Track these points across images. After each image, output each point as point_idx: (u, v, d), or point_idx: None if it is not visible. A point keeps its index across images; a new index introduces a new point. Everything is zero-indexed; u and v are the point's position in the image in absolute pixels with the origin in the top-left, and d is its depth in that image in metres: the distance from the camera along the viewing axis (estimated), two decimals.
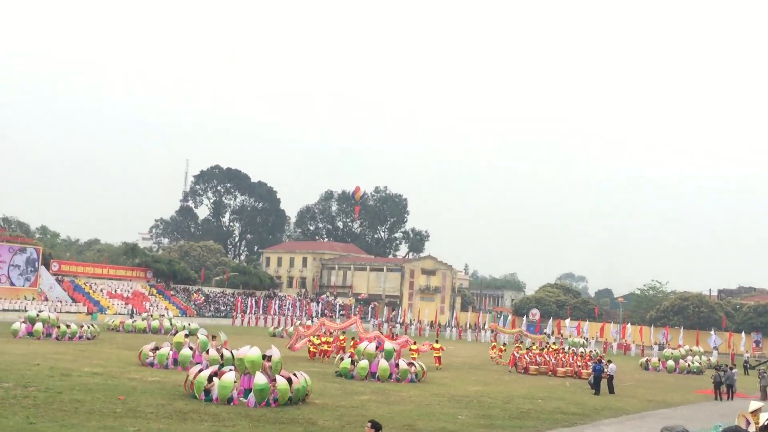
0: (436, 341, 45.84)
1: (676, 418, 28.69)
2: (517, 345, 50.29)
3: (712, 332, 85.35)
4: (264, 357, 24.94)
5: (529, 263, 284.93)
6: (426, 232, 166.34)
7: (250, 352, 24.58)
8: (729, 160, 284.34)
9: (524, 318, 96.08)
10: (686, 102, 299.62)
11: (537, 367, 44.55)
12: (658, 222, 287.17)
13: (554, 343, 60.25)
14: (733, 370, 38.48)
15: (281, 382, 24.29)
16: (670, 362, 56.09)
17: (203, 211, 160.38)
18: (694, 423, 25.48)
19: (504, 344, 62.25)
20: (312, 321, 73.17)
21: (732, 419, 19.28)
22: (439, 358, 44.04)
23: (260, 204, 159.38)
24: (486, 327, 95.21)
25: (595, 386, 36.19)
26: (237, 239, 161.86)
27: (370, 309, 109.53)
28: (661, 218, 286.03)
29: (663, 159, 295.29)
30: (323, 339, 43.94)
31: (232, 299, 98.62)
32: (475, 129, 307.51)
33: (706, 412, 31.64)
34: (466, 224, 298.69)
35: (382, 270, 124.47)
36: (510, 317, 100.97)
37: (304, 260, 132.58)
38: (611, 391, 35.89)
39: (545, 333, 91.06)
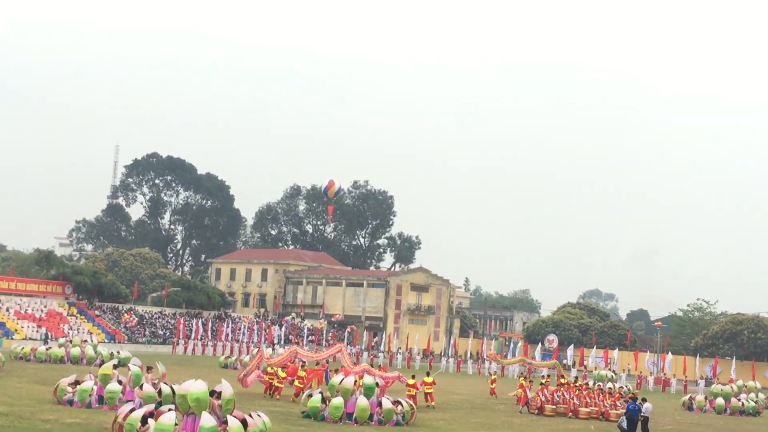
0: (428, 374, 45.91)
1: None
2: (523, 377, 50.36)
3: None
4: (212, 393, 24.80)
5: (546, 278, 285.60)
6: (416, 238, 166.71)
7: (195, 387, 24.44)
8: None
9: (539, 345, 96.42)
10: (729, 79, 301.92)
11: (554, 407, 44.67)
12: (706, 227, 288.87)
13: (576, 378, 60.46)
14: None
15: (234, 424, 24.19)
16: (720, 401, 56.44)
17: (137, 211, 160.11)
18: None
19: (495, 374, 62.39)
20: (273, 350, 72.98)
21: None
22: (430, 394, 44.14)
23: (209, 202, 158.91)
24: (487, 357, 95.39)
25: (629, 430, 36.31)
26: (179, 246, 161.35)
27: (346, 334, 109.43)
28: (709, 221, 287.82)
29: (711, 141, 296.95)
30: (275, 372, 43.93)
31: (172, 321, 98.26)
32: (478, 109, 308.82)
33: None
34: (466, 229, 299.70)
35: (361, 285, 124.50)
36: (520, 344, 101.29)
37: (264, 273, 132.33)
38: None
39: (565, 363, 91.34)
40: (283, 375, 44.70)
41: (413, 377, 44.52)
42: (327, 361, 46.15)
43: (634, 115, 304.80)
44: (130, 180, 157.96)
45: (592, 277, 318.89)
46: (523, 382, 47.36)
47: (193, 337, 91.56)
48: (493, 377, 56.66)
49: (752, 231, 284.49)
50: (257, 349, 73.48)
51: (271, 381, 43.71)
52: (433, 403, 43.64)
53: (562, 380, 50.95)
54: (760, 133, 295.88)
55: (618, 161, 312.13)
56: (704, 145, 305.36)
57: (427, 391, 44.13)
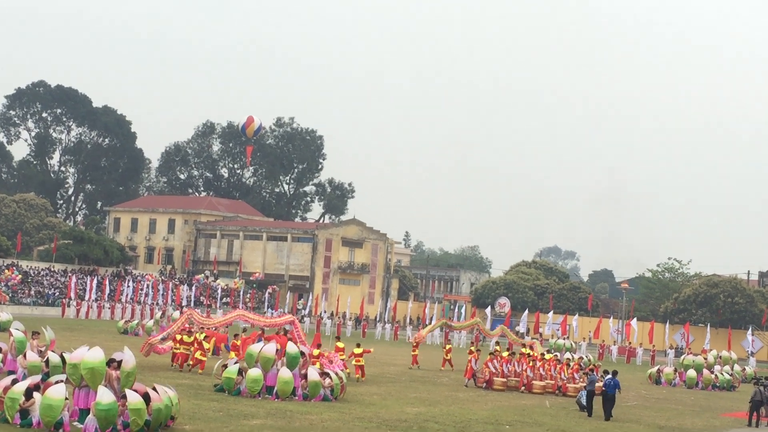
0: (358, 345, 45.82)
1: None
2: (473, 346, 50.87)
3: (750, 332, 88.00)
4: (109, 363, 24.68)
5: (497, 233, 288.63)
6: (349, 185, 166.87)
7: (90, 356, 24.29)
8: None
9: (488, 310, 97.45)
10: None
11: (505, 380, 45.24)
12: (680, 178, 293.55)
13: (525, 346, 61.21)
14: None
15: (134, 399, 24.14)
16: (691, 373, 57.63)
17: (20, 149, 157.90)
18: None
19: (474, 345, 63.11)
20: (181, 313, 72.66)
21: None
22: (361, 367, 44.04)
23: (106, 140, 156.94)
24: (431, 323, 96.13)
25: (587, 406, 36.96)
26: (71, 191, 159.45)
27: (266, 295, 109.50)
28: (683, 173, 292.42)
29: (686, 83, 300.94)
30: (194, 340, 43.54)
31: (63, 279, 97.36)
32: (420, 37, 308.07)
33: None
34: (406, 176, 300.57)
35: (285, 239, 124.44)
36: (466, 308, 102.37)
37: (171, 224, 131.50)
38: (608, 414, 36.72)
39: (518, 330, 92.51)
40: (207, 345, 44.28)
41: (358, 345, 44.87)
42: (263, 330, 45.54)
43: (591, 45, 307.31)
44: (12, 113, 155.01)
45: (550, 233, 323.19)
46: (472, 349, 47.86)
47: (87, 297, 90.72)
48: (448, 347, 56.48)
49: (729, 182, 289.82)
50: (177, 311, 73.24)
51: (186, 352, 43.16)
52: (362, 377, 43.63)
53: (526, 350, 51.47)
54: (736, 71, 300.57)
55: (576, 100, 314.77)
56: (675, 84, 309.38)
57: (356, 363, 44.09)
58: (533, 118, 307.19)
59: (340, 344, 44.82)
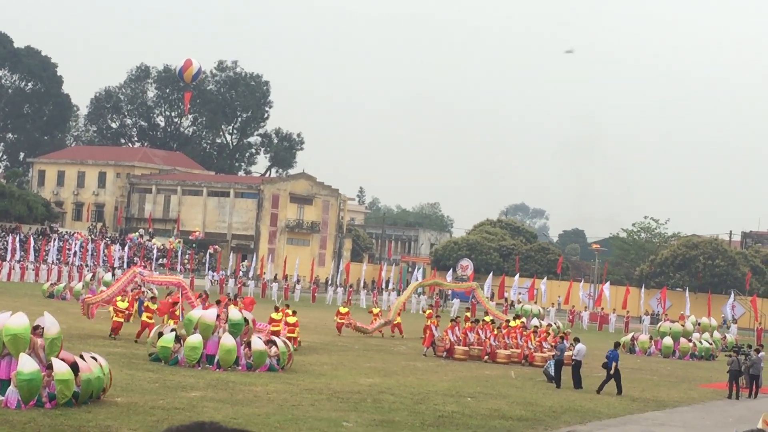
0: (294, 312, 44.99)
1: (672, 425, 29.96)
2: (431, 310, 51.15)
3: (732, 297, 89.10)
4: (34, 330, 24.56)
5: (459, 189, 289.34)
6: (298, 136, 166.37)
7: (12, 322, 24.16)
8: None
9: (449, 272, 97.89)
10: None
11: (467, 348, 45.54)
12: (657, 128, 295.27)
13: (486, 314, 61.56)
14: (760, 354, 40.29)
15: (61, 369, 24.07)
16: (668, 341, 58.28)
17: None
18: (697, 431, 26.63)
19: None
20: (113, 275, 72.40)
21: (753, 425, 20.25)
22: (295, 338, 42.88)
23: (29, 84, 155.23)
24: (390, 287, 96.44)
25: (555, 377, 37.31)
26: None
27: (208, 255, 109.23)
28: (660, 122, 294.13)
29: (668, 20, 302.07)
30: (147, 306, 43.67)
31: None
32: None
33: (717, 416, 33.10)
34: (360, 127, 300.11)
35: (227, 195, 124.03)
36: (425, 270, 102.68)
37: (102, 177, 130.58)
38: (577, 384, 37.10)
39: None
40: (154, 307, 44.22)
41: (294, 313, 44.69)
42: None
43: None
44: None
45: (517, 188, 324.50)
46: (430, 311, 48.07)
47: (9, 258, 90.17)
48: (428, 311, 56.35)
49: (711, 135, 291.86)
50: (109, 272, 72.82)
51: (122, 318, 43.07)
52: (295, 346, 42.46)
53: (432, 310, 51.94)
54: (723, 12, 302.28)
55: (539, 40, 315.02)
56: (655, 19, 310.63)
57: (289, 334, 42.94)
58: (497, 55, 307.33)
59: (276, 315, 43.97)
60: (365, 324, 55.48)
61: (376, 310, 58.57)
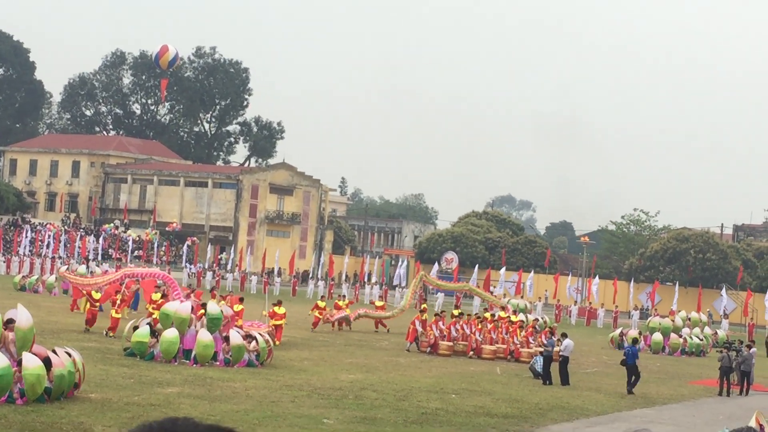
0: (276, 304, 45.16)
1: (662, 423, 30.03)
2: (419, 305, 51.28)
3: (723, 292, 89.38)
4: (5, 324, 24.49)
5: (444, 180, 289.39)
6: (278, 124, 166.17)
7: None
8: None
9: (434, 266, 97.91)
10: None
11: (451, 343, 45.59)
12: (648, 119, 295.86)
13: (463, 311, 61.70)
14: (752, 350, 40.49)
15: (31, 364, 24.00)
16: (657, 337, 58.49)
17: None
18: (688, 430, 26.71)
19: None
20: (88, 267, 72.29)
21: (744, 423, 20.33)
22: (278, 326, 43.12)
23: (1, 70, 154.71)
24: (373, 280, 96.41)
25: (544, 373, 37.37)
26: None
27: (185, 248, 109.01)
28: (651, 114, 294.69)
29: (654, 20, 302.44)
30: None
31: None
32: None
33: (708, 413, 33.20)
34: (342, 116, 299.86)
35: (205, 185, 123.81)
36: (409, 263, 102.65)
37: (76, 166, 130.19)
38: (564, 380, 37.19)
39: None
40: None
41: (277, 304, 44.74)
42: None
43: None
44: None
45: (504, 179, 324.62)
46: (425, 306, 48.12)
47: None
48: (423, 306, 55.81)
49: (702, 123, 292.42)
50: (83, 265, 72.69)
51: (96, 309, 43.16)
52: (277, 342, 42.50)
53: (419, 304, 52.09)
54: None
55: (522, 27, 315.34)
56: (636, 7, 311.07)
57: (275, 322, 43.29)
58: (482, 43, 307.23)
59: (279, 309, 44.11)
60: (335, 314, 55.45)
61: (342, 303, 58.08)
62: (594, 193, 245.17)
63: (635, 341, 39.38)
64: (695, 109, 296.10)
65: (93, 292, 44.17)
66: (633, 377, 36.58)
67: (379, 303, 62.06)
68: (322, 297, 63.62)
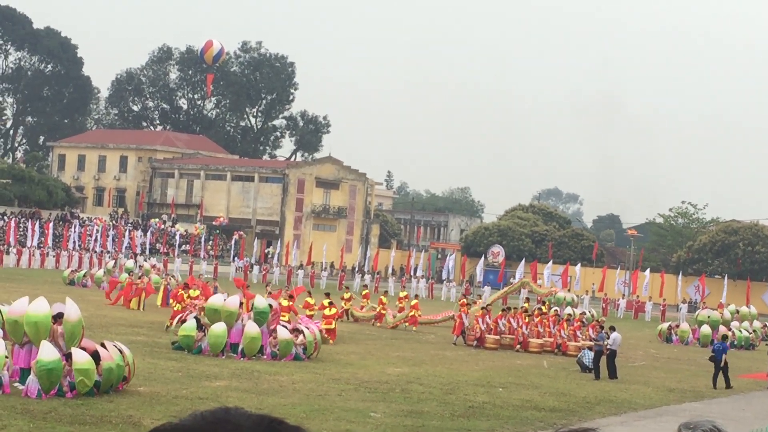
0: (327, 294, 45.00)
1: (711, 416, 29.80)
2: (463, 301, 51.08)
3: None
4: (54, 318, 24.68)
5: (490, 173, 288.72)
6: (324, 119, 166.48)
7: (33, 309, 24.28)
8: None
9: (480, 259, 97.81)
10: None
11: (498, 337, 45.54)
12: (694, 111, 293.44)
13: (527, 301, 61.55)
14: None
15: (82, 358, 24.16)
16: (706, 330, 58.10)
17: None
18: (737, 424, 26.54)
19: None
20: (135, 262, 72.72)
21: None
22: (332, 329, 42.56)
23: (49, 66, 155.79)
24: (420, 274, 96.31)
25: (594, 367, 37.21)
26: (10, 125, 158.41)
27: (233, 242, 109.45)
28: (699, 103, 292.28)
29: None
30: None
31: (1, 223, 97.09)
32: None
33: (758, 407, 32.97)
34: (388, 109, 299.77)
35: (252, 179, 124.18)
36: (456, 257, 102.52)
37: (123, 161, 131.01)
38: (612, 374, 37.05)
39: (512, 281, 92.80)
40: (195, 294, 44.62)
41: (327, 295, 44.62)
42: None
43: None
44: None
45: (550, 173, 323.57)
46: (464, 301, 48.01)
47: (29, 244, 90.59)
48: (461, 300, 55.56)
49: (750, 113, 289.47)
50: (130, 259, 73.26)
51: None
52: (332, 340, 42.44)
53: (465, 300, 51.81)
54: None
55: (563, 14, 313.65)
56: None
57: (325, 326, 42.36)
58: (523, 34, 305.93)
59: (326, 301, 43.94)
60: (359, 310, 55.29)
61: (347, 295, 57.19)
62: (640, 180, 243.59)
63: (725, 337, 39.38)
64: (745, 97, 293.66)
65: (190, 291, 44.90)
66: (719, 372, 36.50)
67: (402, 294, 60.29)
68: (345, 289, 62.03)
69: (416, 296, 60.94)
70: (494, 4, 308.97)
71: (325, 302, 43.41)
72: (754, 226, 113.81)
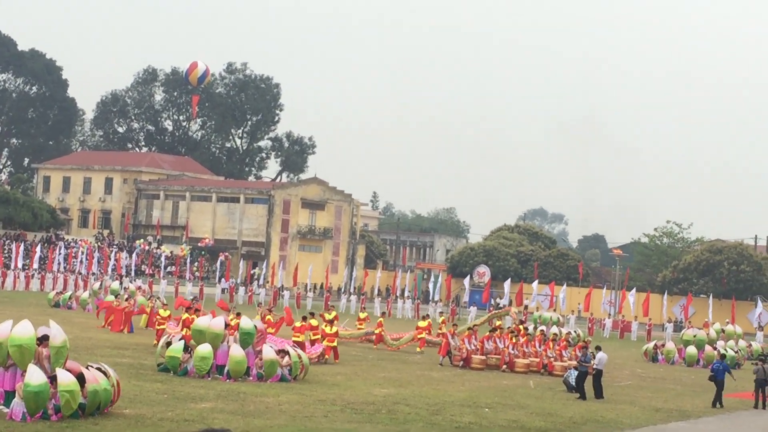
0: (328, 310, 45.84)
1: None
2: (445, 321, 51.19)
3: (758, 303, 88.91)
4: (40, 340, 24.61)
5: (476, 193, 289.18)
6: (310, 139, 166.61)
7: (18, 332, 24.21)
8: None
9: (466, 279, 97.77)
10: None
11: (484, 357, 45.50)
12: (679, 131, 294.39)
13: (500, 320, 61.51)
14: None
15: (67, 379, 24.10)
16: (691, 349, 58.14)
17: None
18: None
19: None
20: (121, 283, 72.61)
21: None
22: (334, 348, 43.34)
23: (34, 88, 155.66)
24: (406, 294, 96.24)
25: (578, 386, 37.19)
26: None
27: (218, 263, 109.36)
28: (683, 123, 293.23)
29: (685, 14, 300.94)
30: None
31: None
32: None
33: (743, 427, 32.99)
34: (373, 130, 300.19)
35: (237, 200, 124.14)
36: (442, 277, 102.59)
37: (108, 183, 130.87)
38: (598, 394, 37.04)
39: (498, 302, 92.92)
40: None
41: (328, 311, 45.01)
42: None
43: None
44: None
45: (537, 192, 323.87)
46: (444, 319, 48.04)
47: (13, 266, 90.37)
48: (442, 319, 55.72)
49: (733, 134, 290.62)
50: (116, 281, 73.17)
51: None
52: (335, 359, 43.27)
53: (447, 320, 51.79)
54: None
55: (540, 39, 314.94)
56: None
57: (328, 344, 43.34)
58: (503, 55, 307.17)
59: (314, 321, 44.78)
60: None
61: (363, 315, 57.89)
62: (623, 200, 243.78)
63: (724, 357, 39.51)
64: (726, 116, 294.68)
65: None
66: (720, 391, 36.79)
67: (362, 315, 60.16)
68: (328, 309, 60.64)
69: (382, 314, 61.10)
70: (477, 27, 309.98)
71: (328, 316, 45.13)
72: (738, 245, 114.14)
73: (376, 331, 52.61)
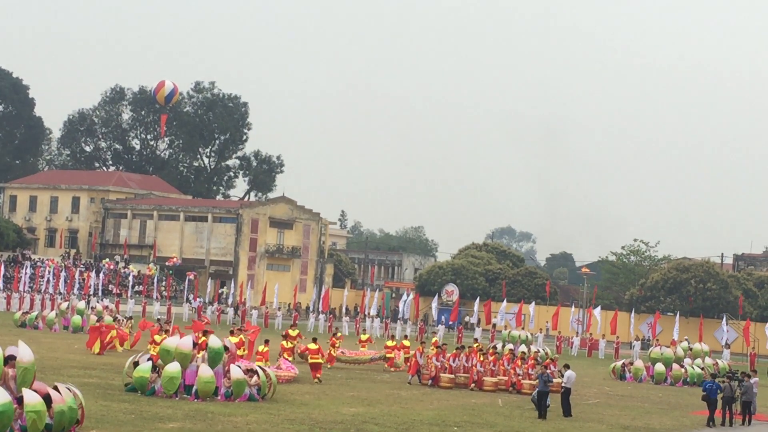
0: (292, 327, 45.90)
1: None
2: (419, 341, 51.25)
3: (724, 321, 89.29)
4: (6, 360, 24.47)
5: (444, 212, 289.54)
6: (278, 158, 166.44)
7: None
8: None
9: (434, 298, 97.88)
10: None
11: (452, 376, 45.51)
12: (646, 147, 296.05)
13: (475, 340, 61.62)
14: (753, 380, 40.32)
15: (34, 399, 23.96)
16: (659, 367, 58.36)
17: None
18: None
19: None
20: (88, 303, 72.25)
21: None
22: (317, 364, 43.84)
23: (1, 107, 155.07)
24: (374, 313, 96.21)
25: (539, 408, 37.24)
26: None
27: (186, 283, 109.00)
28: (649, 140, 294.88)
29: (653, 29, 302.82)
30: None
31: None
32: None
33: None
34: (341, 149, 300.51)
35: (205, 220, 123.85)
36: (410, 296, 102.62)
37: (76, 202, 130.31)
38: (566, 412, 37.14)
39: (468, 321, 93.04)
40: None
41: (315, 340, 44.99)
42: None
43: None
44: None
45: (502, 212, 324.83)
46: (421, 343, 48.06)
47: None
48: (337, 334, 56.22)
49: (699, 153, 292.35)
50: (83, 301, 72.86)
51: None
52: (318, 376, 43.51)
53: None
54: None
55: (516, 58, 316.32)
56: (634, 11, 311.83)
57: (313, 360, 43.88)
58: (481, 90, 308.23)
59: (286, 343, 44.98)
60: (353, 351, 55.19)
61: (364, 337, 58.40)
62: (589, 217, 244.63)
63: (714, 376, 39.81)
64: (693, 136, 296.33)
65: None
66: (715, 411, 37.30)
67: (363, 337, 60.68)
68: (291, 326, 60.17)
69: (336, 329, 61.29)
70: (441, 44, 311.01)
71: (292, 333, 45.51)
72: (705, 263, 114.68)
73: (389, 356, 52.79)
